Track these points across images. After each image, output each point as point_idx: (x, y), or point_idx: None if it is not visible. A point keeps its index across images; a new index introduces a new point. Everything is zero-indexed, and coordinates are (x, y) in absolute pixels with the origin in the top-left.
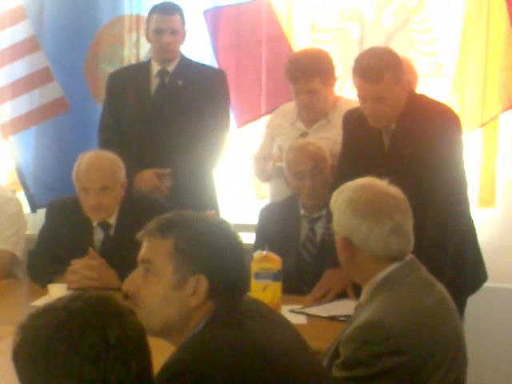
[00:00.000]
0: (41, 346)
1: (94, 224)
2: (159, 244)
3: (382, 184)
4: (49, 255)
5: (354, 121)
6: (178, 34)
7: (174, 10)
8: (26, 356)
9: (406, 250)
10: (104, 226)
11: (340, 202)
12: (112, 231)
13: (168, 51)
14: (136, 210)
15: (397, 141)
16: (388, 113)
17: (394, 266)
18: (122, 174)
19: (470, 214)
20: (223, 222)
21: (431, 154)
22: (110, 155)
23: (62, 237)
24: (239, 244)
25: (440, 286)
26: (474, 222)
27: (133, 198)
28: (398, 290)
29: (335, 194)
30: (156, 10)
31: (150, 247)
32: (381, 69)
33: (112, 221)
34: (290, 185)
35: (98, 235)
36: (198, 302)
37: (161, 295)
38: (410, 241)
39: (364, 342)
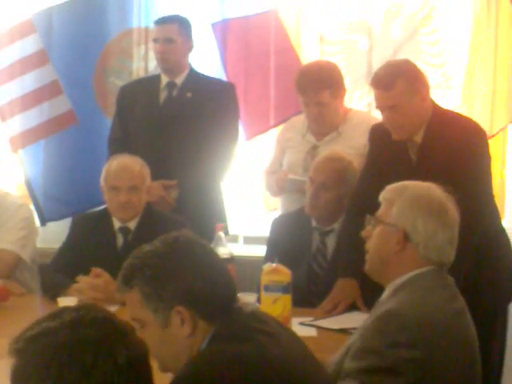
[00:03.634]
0: (51, 372)
1: (116, 228)
2: (130, 297)
3: (445, 193)
4: (66, 267)
5: (380, 135)
6: (172, 43)
7: (169, 19)
8: (31, 382)
9: (451, 260)
10: (124, 230)
11: (409, 194)
12: (130, 237)
13: (161, 60)
14: (154, 223)
15: (423, 156)
16: (406, 123)
17: (423, 269)
18: (148, 179)
19: (501, 225)
20: (181, 242)
21: (458, 169)
22: (139, 159)
23: (87, 244)
24: (203, 256)
25: (461, 298)
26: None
27: (153, 211)
28: (422, 289)
29: (396, 187)
30: (155, 20)
31: (128, 304)
32: (393, 76)
33: (132, 226)
34: (306, 187)
35: (119, 240)
36: (190, 328)
37: (159, 341)
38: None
39: (379, 331)
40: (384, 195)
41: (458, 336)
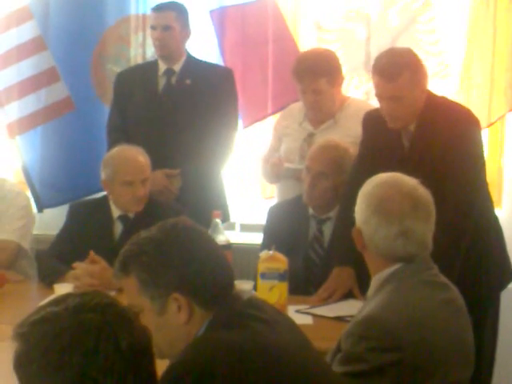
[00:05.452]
0: (53, 356)
1: (115, 217)
2: (127, 284)
3: (408, 184)
4: (63, 254)
5: (373, 122)
6: (170, 30)
7: (166, 6)
8: (33, 366)
9: (416, 253)
10: (124, 219)
11: (363, 191)
12: (129, 225)
13: (159, 47)
14: (153, 211)
15: (416, 143)
16: (405, 113)
17: (398, 266)
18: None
19: (493, 213)
20: (178, 229)
21: (451, 156)
22: (140, 149)
23: (84, 232)
24: (200, 243)
25: (452, 288)
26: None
27: (151, 199)
28: (403, 287)
29: (367, 181)
30: (153, 7)
31: (125, 291)
32: (399, 67)
33: (131, 214)
34: (302, 176)
35: (118, 228)
36: (187, 314)
37: (155, 327)
38: (423, 244)
39: (361, 337)
40: None
41: (445, 325)
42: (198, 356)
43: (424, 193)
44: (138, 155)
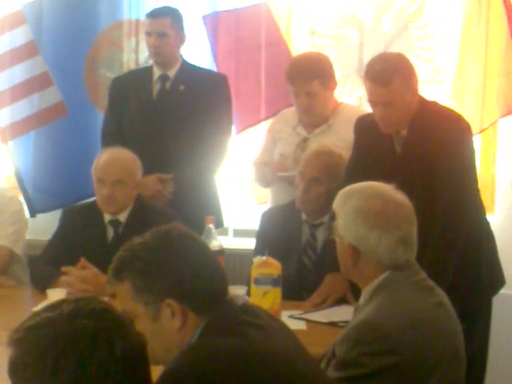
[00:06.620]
0: (47, 363)
1: (106, 221)
2: (121, 290)
3: (390, 191)
4: (56, 259)
5: (365, 126)
6: (166, 36)
7: (162, 12)
8: (28, 372)
9: (411, 258)
10: (114, 223)
11: (349, 208)
12: (121, 229)
13: (154, 54)
14: (145, 216)
15: (408, 147)
16: (398, 118)
17: (389, 273)
18: (138, 173)
19: (485, 218)
20: (172, 235)
21: (442, 162)
22: (130, 154)
23: (77, 237)
24: (194, 249)
25: (439, 291)
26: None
27: (144, 203)
28: (395, 292)
29: (342, 196)
30: (148, 13)
31: (119, 297)
32: (391, 73)
33: (122, 219)
34: (296, 181)
35: (111, 232)
36: (180, 320)
37: (149, 333)
38: (415, 249)
39: (357, 341)
40: (333, 204)
41: (438, 327)
42: (195, 362)
43: (403, 197)
44: (122, 157)
